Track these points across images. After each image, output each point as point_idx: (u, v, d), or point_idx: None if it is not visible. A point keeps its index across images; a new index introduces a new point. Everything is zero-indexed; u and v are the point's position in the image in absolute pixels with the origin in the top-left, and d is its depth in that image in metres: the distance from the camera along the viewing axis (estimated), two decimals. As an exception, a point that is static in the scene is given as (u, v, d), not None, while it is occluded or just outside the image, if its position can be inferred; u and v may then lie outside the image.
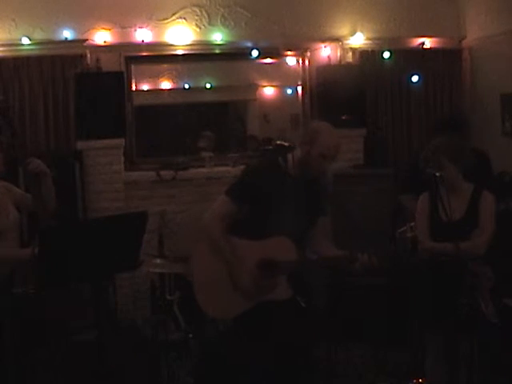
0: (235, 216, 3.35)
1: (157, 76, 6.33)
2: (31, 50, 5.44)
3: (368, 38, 6.10)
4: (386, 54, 6.06)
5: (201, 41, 5.87)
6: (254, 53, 5.95)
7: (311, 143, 3.27)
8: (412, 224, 3.54)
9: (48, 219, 3.33)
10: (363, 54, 6.10)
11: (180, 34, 5.79)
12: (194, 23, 5.84)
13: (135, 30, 5.68)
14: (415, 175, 4.17)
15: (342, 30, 6.07)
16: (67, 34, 5.49)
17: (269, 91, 6.67)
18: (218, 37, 5.87)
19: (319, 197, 3.46)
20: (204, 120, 6.54)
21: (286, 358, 3.31)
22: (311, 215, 3.43)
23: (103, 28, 5.60)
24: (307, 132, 3.39)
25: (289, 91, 6.56)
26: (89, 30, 5.57)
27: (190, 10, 5.82)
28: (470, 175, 3.74)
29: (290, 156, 3.40)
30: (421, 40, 6.19)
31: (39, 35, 5.47)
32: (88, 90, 5.33)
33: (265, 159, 4.00)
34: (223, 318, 3.32)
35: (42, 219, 3.33)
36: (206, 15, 5.85)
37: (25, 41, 5.42)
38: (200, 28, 5.86)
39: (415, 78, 6.14)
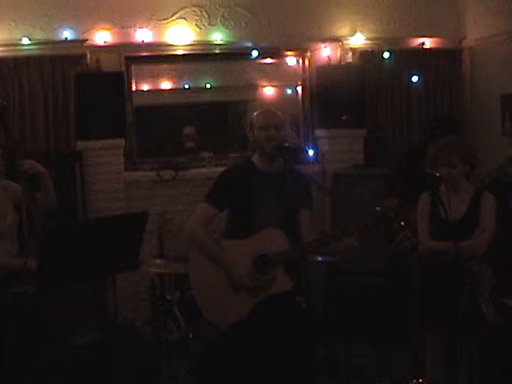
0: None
1: (157, 76, 6.33)
2: (31, 49, 5.43)
3: (368, 38, 6.09)
4: (386, 54, 6.05)
5: (201, 41, 5.87)
6: (254, 53, 5.95)
7: (252, 130, 3.50)
8: (406, 232, 3.56)
9: (42, 219, 3.33)
10: (363, 54, 6.09)
11: (180, 34, 5.78)
12: (193, 23, 5.83)
13: (135, 30, 5.67)
14: (398, 177, 4.27)
15: (342, 29, 6.07)
16: (67, 34, 5.49)
17: (269, 91, 6.66)
18: (217, 37, 5.86)
19: (299, 188, 3.48)
20: (204, 120, 6.55)
21: (289, 356, 3.32)
22: (292, 205, 3.44)
23: (103, 28, 5.59)
24: (247, 128, 3.61)
25: (289, 91, 6.55)
26: (89, 30, 5.56)
27: (190, 10, 5.82)
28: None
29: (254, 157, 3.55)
30: (421, 40, 6.18)
31: (39, 35, 5.46)
32: (88, 90, 5.33)
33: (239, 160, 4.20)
34: (231, 324, 3.32)
35: (37, 219, 3.32)
36: (206, 15, 5.85)
37: (25, 41, 5.41)
38: (200, 28, 5.85)
39: (415, 78, 6.14)
